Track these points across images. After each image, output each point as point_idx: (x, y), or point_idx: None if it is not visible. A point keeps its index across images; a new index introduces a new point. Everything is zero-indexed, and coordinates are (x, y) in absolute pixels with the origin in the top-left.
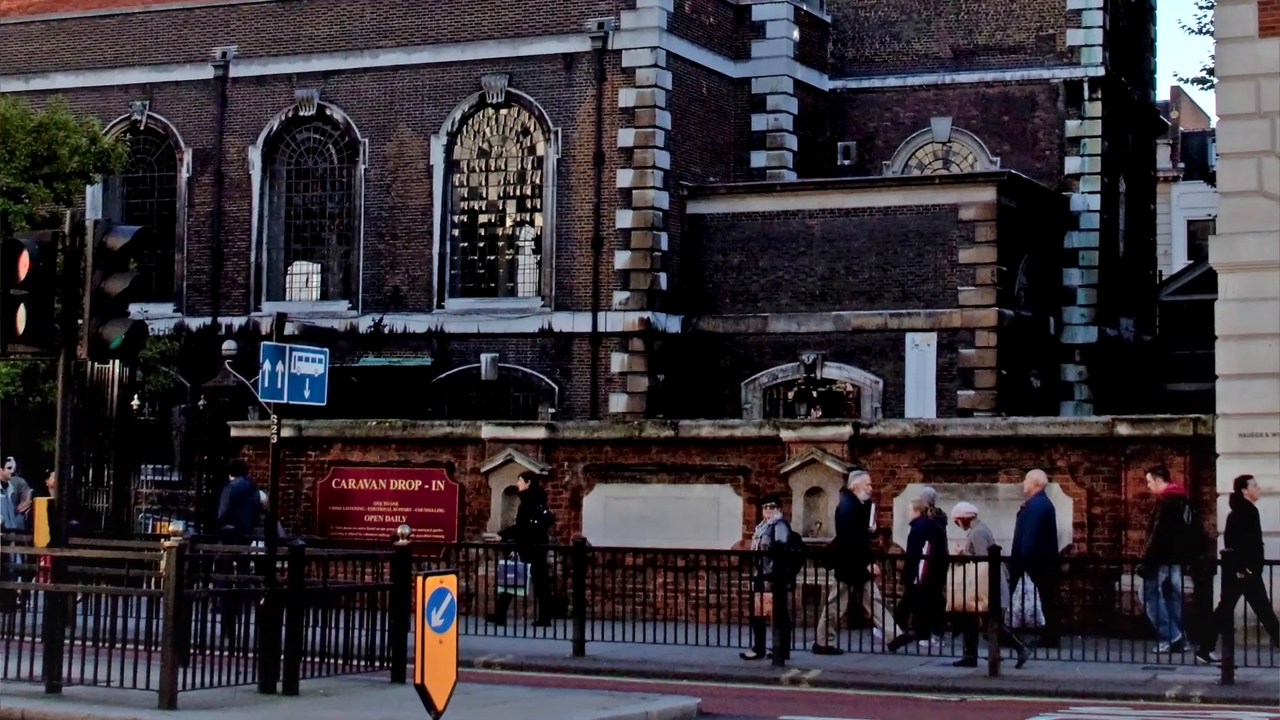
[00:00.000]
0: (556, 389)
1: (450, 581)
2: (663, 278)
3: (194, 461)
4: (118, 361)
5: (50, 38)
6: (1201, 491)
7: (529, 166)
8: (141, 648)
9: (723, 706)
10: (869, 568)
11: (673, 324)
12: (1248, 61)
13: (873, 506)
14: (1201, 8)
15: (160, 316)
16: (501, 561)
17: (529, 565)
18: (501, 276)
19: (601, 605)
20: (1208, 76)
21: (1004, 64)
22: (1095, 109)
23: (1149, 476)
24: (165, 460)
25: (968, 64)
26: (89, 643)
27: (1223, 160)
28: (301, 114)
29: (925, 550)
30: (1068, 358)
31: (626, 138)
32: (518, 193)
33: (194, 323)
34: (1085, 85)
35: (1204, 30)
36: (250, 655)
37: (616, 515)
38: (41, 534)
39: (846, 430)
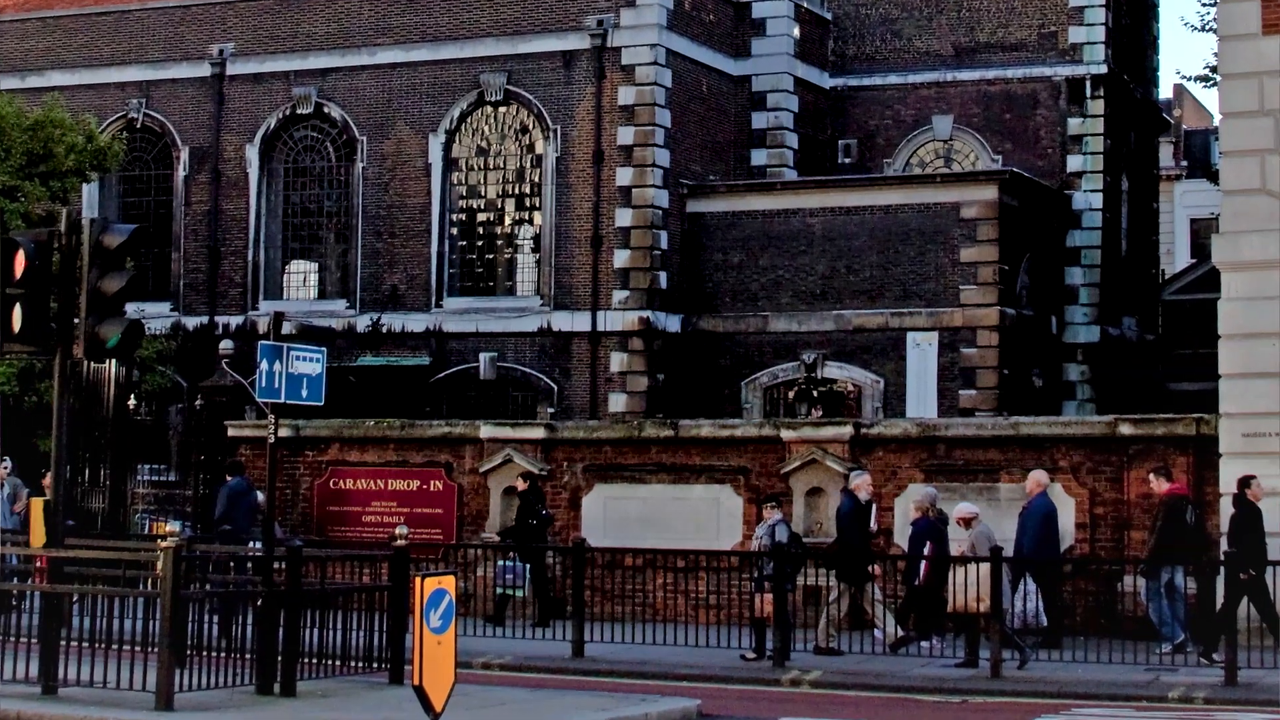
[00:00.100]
0: (555, 388)
1: (448, 582)
2: (662, 276)
3: (191, 461)
4: (114, 361)
5: (46, 35)
6: (1204, 492)
7: (528, 165)
8: (138, 649)
9: (723, 708)
10: (870, 568)
11: (672, 323)
12: (1251, 59)
13: (874, 507)
14: (1204, 5)
15: (157, 316)
16: (500, 562)
17: (528, 566)
18: (500, 275)
19: (601, 606)
20: (1210, 74)
21: (1006, 61)
22: (1097, 107)
23: (1151, 477)
24: (162, 460)
25: (969, 61)
26: (85, 644)
27: (1226, 158)
28: (299, 112)
29: (926, 551)
30: (1070, 357)
31: (626, 136)
32: (516, 191)
33: (191, 322)
34: (1087, 83)
35: (1207, 28)
36: (247, 656)
37: (616, 515)
38: (37, 534)
39: (847, 430)
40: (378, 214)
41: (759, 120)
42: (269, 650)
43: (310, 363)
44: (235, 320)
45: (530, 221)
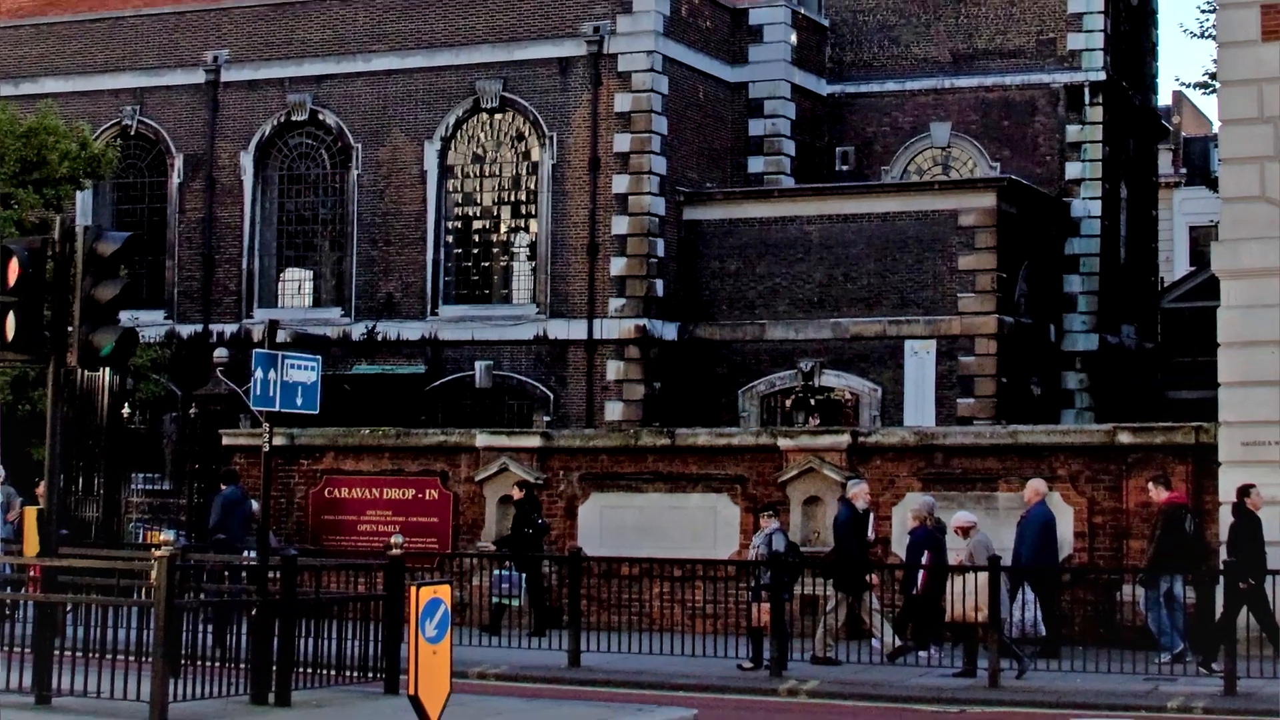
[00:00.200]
0: (552, 397)
1: (444, 591)
2: (659, 284)
3: (185, 470)
4: (108, 369)
5: (40, 42)
6: (1203, 500)
7: (524, 172)
8: (132, 659)
9: (720, 718)
10: (867, 577)
11: (669, 331)
12: (1250, 66)
13: (871, 515)
14: (1203, 11)
15: (151, 324)
16: (496, 571)
17: (524, 575)
18: (496, 283)
19: (597, 615)
20: (1210, 81)
21: (1004, 68)
22: (1096, 114)
23: (1150, 485)
24: (156, 469)
25: (967, 68)
26: (79, 653)
27: (1225, 165)
28: (294, 119)
29: (924, 560)
30: (1068, 365)
31: (622, 143)
32: (512, 198)
33: (185, 330)
34: (1086, 90)
35: (1206, 34)
36: (242, 666)
37: (612, 524)
38: (31, 543)
39: (845, 439)
40: (373, 221)
41: (756, 127)
42: (264, 660)
43: (305, 371)
44: (230, 328)
45: (526, 229)
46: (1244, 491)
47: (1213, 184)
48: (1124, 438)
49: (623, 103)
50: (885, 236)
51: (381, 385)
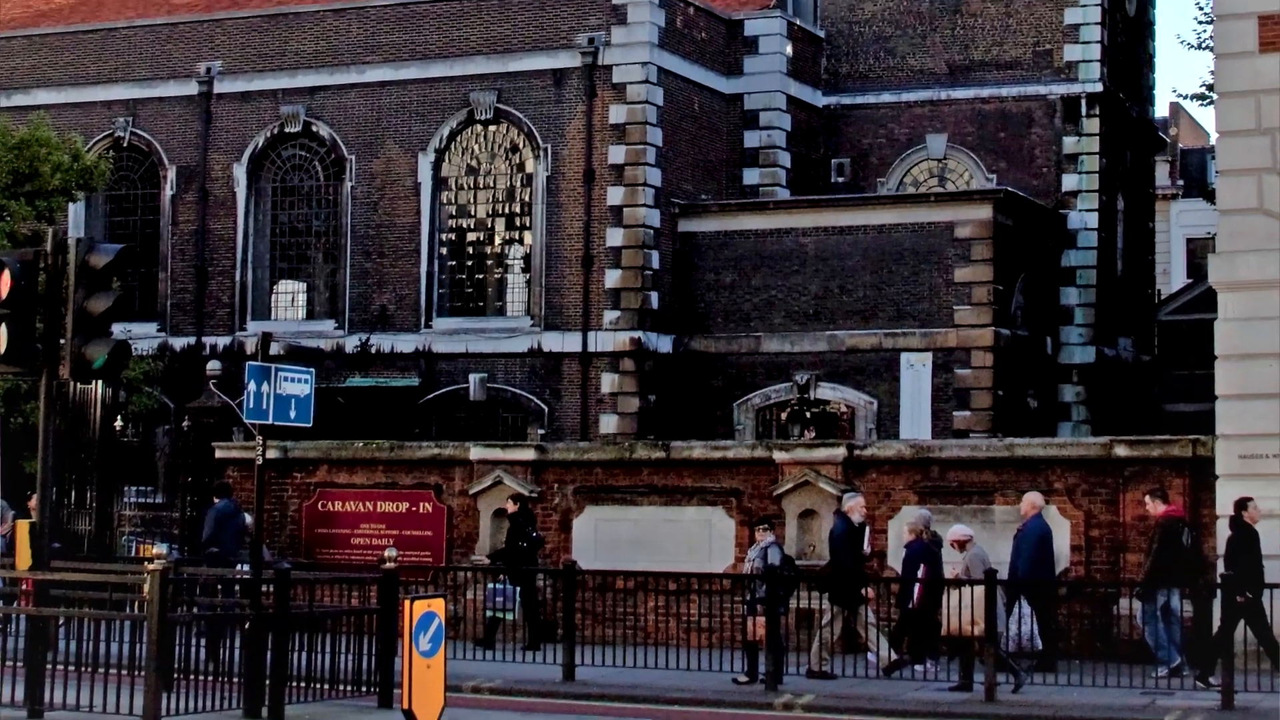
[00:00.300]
0: (546, 410)
1: (438, 605)
2: (654, 297)
3: (178, 483)
4: (100, 382)
5: (32, 53)
6: (1201, 514)
7: (518, 184)
8: (125, 672)
9: None
10: (863, 591)
11: (664, 344)
12: (1248, 77)
13: (867, 529)
14: (1201, 23)
15: (144, 336)
16: (490, 585)
17: (518, 589)
18: (490, 295)
19: (592, 629)
20: (1207, 92)
21: (1000, 80)
22: (1093, 125)
23: (1147, 498)
24: (149, 482)
25: (963, 80)
26: (71, 667)
27: (1222, 177)
28: (287, 130)
29: (920, 573)
30: (1065, 378)
31: (617, 154)
32: (506, 210)
33: (178, 342)
34: (1083, 101)
35: (1203, 46)
36: (235, 680)
37: (607, 538)
38: (23, 557)
39: (840, 452)
40: (366, 233)
41: (751, 139)
42: (257, 674)
43: (298, 384)
44: (223, 341)
45: (520, 241)
46: (1241, 504)
47: (1210, 196)
48: (1121, 451)
49: (617, 114)
50: (881, 249)
51: (375, 398)
